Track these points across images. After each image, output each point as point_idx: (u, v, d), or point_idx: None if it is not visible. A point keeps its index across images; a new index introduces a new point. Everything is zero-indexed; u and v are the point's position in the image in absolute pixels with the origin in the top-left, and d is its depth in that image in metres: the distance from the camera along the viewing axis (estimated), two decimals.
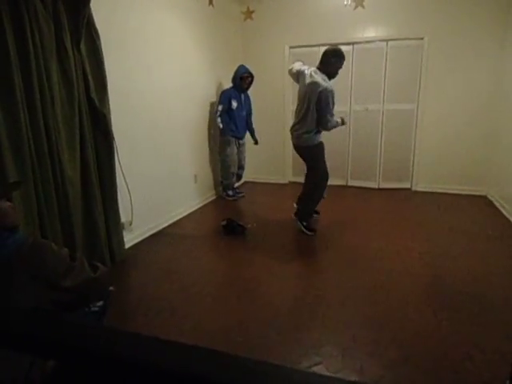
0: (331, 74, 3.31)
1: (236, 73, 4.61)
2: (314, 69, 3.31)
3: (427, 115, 4.95)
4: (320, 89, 3.15)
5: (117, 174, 2.99)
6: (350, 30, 5.00)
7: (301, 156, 3.63)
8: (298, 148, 3.57)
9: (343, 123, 3.52)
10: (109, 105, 2.82)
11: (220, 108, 4.52)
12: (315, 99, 3.21)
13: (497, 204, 4.38)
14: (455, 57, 4.68)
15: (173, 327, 2.15)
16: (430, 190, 5.05)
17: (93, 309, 1.64)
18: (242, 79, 4.59)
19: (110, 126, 2.84)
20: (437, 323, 2.16)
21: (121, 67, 3.14)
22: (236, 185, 5.12)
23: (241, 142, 4.87)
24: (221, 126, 4.55)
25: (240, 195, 5.02)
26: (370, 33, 4.92)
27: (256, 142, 5.11)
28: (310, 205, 3.63)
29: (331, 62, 3.27)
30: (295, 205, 3.78)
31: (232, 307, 2.38)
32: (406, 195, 4.99)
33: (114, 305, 2.30)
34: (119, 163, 3.05)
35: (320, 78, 3.22)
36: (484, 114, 4.70)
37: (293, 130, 3.53)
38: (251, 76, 4.69)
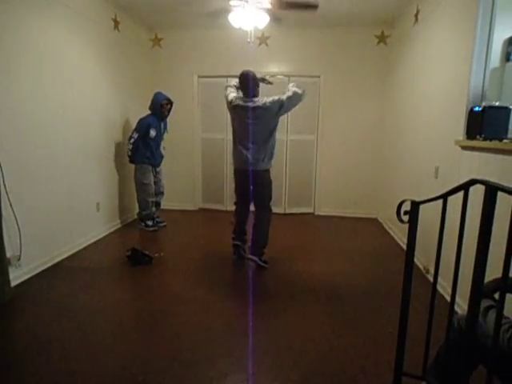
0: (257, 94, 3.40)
1: (154, 100, 4.48)
2: (254, 99, 3.31)
3: (325, 145, 5.43)
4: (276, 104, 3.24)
5: (2, 204, 2.68)
6: (256, 65, 5.27)
7: (256, 183, 3.33)
8: (255, 173, 3.31)
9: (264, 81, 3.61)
10: None
11: (135, 136, 4.37)
12: (276, 115, 3.28)
13: (385, 226, 4.92)
14: (346, 92, 5.29)
15: (64, 372, 1.95)
16: (330, 214, 5.48)
17: None
18: (162, 106, 4.49)
19: None
20: (335, 340, 2.30)
21: (9, 89, 2.88)
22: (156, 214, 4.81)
23: (157, 169, 4.71)
24: (129, 153, 4.41)
25: (161, 225, 4.74)
26: (274, 68, 5.29)
27: None
28: (267, 238, 3.48)
29: (258, 83, 3.44)
30: (237, 242, 3.56)
31: (134, 344, 2.25)
32: (309, 220, 5.34)
33: None
34: (6, 191, 2.75)
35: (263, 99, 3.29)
36: (370, 142, 5.35)
37: (249, 155, 3.29)
38: (170, 103, 4.59)
